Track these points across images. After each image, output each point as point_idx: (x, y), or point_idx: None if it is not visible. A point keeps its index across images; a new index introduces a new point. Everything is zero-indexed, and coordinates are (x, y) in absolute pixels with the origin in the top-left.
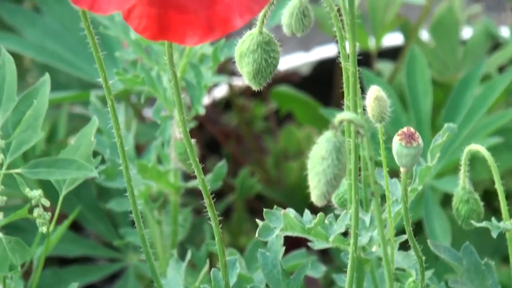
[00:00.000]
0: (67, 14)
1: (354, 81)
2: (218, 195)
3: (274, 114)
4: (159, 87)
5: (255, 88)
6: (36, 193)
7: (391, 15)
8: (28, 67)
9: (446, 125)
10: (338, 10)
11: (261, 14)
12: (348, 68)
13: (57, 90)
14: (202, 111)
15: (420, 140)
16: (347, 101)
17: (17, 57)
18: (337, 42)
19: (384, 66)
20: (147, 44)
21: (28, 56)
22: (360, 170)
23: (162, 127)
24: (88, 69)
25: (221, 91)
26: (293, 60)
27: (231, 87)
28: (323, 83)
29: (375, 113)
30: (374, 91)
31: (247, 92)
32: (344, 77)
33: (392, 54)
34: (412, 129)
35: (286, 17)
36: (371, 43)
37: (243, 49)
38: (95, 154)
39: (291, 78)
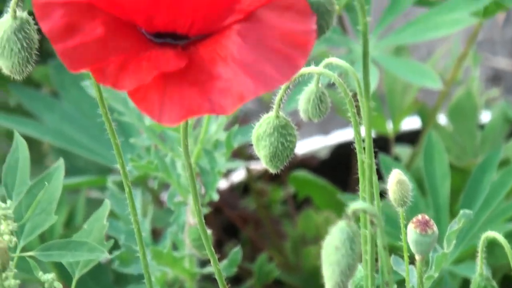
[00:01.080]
0: (85, 100)
1: (370, 174)
2: (236, 280)
3: (292, 198)
4: (173, 173)
5: (272, 171)
6: (48, 277)
7: (408, 100)
8: (46, 151)
9: (462, 211)
10: (354, 95)
11: (277, 98)
12: (362, 155)
13: (75, 174)
14: (215, 197)
15: (435, 228)
16: (361, 190)
17: (35, 142)
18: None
19: (402, 151)
20: (162, 130)
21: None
22: (376, 258)
23: (176, 213)
24: (105, 154)
25: (239, 175)
26: (311, 144)
27: (249, 171)
28: (341, 166)
29: (396, 197)
30: (396, 175)
31: (265, 176)
32: (359, 164)
33: (410, 137)
34: (427, 217)
35: (302, 102)
36: (389, 127)
37: (260, 132)
38: (110, 239)
39: (309, 162)
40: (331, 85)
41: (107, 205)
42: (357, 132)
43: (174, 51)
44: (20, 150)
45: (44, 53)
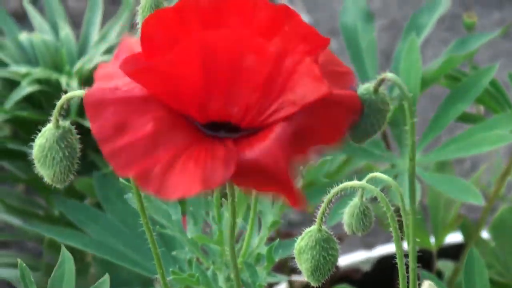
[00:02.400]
0: (128, 212)
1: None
2: None
3: None
4: (214, 286)
5: (313, 285)
6: None
7: (452, 214)
8: (90, 261)
9: None
10: (397, 210)
11: (320, 211)
12: (404, 270)
13: (118, 285)
14: None
15: None
16: None
17: (79, 251)
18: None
19: (445, 265)
20: (204, 243)
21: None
22: None
23: None
24: (147, 265)
25: (281, 287)
26: (354, 257)
27: (291, 283)
28: (384, 279)
29: None
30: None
31: None
32: (400, 280)
33: (454, 251)
34: None
35: (346, 216)
36: (432, 241)
37: (302, 245)
38: None
39: (351, 274)
40: (374, 199)
41: None
42: (399, 248)
43: (224, 152)
44: (66, 264)
45: (88, 164)
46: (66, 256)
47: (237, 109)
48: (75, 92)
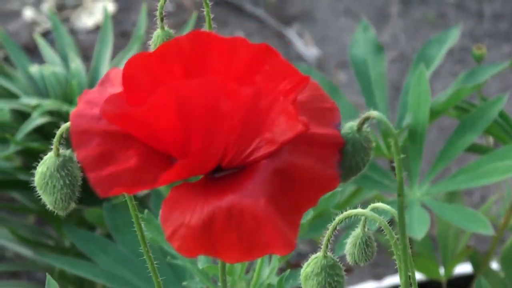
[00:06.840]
0: (138, 241)
1: None
2: None
3: None
4: None
5: None
6: None
7: (461, 245)
8: None
9: None
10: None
11: (325, 238)
12: None
13: None
14: None
15: None
16: None
17: (89, 282)
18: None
19: None
20: (214, 273)
21: (100, 283)
22: None
23: None
24: None
25: None
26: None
27: None
28: None
29: None
30: None
31: None
32: None
33: (463, 282)
34: None
35: (349, 246)
36: (441, 271)
37: (308, 271)
38: None
39: None
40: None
41: None
42: (402, 275)
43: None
44: None
45: (97, 195)
46: (51, 284)
47: (215, 151)
48: None
